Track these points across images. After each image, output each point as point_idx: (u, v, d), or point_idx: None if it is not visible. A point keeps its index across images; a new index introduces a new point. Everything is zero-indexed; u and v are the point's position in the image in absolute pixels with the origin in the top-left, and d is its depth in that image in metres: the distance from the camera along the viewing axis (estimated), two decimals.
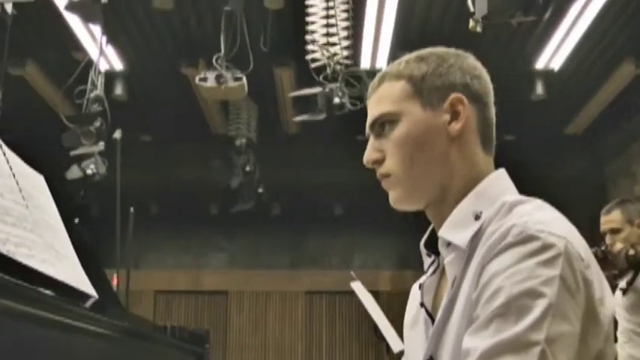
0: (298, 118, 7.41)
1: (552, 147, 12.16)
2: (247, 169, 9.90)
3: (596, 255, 3.27)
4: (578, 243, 1.10)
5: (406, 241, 14.21)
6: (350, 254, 14.13)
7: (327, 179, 12.51)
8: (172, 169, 12.28)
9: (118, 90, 10.27)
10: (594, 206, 12.76)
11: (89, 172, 9.11)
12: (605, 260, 3.29)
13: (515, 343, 0.94)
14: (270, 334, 12.19)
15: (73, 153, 8.47)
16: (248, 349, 12.20)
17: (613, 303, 1.10)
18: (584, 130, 11.85)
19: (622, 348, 3.41)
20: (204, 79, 8.13)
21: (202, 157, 11.56)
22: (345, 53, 7.17)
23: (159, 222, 13.91)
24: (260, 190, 10.60)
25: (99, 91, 8.68)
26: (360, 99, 7.23)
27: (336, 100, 7.01)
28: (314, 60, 7.33)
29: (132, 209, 4.14)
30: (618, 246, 3.41)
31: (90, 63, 9.20)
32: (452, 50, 1.36)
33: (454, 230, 1.20)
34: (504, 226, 1.08)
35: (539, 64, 9.61)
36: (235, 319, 12.32)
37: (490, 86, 1.30)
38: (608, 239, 3.52)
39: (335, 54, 7.11)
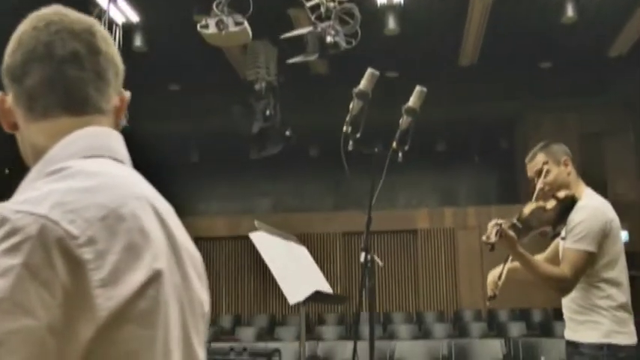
0: (291, 60, 7.23)
1: (595, 71, 11.53)
2: (267, 113, 9.78)
3: (513, 226, 3.05)
4: (139, 213, 0.97)
5: (447, 178, 13.95)
6: (393, 193, 13.99)
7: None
8: (205, 117, 12.31)
9: (137, 42, 10.28)
10: None
11: None
12: (519, 227, 3.06)
13: None
14: None
15: None
16: None
17: (135, 281, 0.96)
18: (629, 50, 11.10)
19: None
20: (206, 26, 8.02)
21: (233, 103, 11.52)
22: None
23: (200, 170, 14.12)
24: (288, 134, 10.45)
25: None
26: (355, 36, 6.98)
27: (329, 39, 6.79)
28: None
29: (6, 170, 4.12)
30: (527, 208, 3.15)
31: (105, 16, 9.27)
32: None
33: None
34: None
35: None
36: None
37: (58, 37, 1.11)
38: (538, 183, 3.28)
39: None
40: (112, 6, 9.43)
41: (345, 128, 3.84)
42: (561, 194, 3.15)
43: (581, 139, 12.22)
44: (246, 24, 7.89)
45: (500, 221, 3.00)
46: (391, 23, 9.78)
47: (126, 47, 9.82)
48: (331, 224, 12.44)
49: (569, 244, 3.03)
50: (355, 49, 11.03)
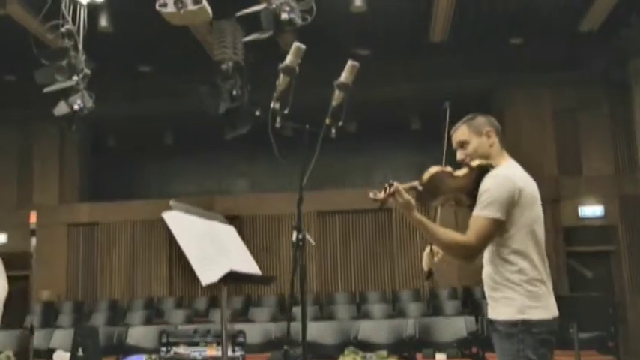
0: (246, 39, 7.14)
1: (567, 46, 11.44)
2: (234, 93, 9.67)
3: (413, 189, 2.96)
4: None
5: (422, 156, 13.86)
6: (369, 172, 13.94)
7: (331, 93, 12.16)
8: (178, 97, 12.16)
9: (103, 22, 10.13)
10: (616, 106, 12.08)
11: (76, 107, 9.10)
12: (419, 189, 2.97)
13: None
14: (284, 256, 12.22)
15: (47, 89, 8.43)
16: (265, 272, 12.22)
17: None
18: (601, 25, 10.99)
19: (484, 271, 3.14)
20: (164, 5, 7.89)
21: (204, 83, 11.36)
22: None
23: (175, 151, 14.02)
24: (257, 114, 10.33)
25: (70, 24, 8.57)
26: (310, 12, 6.87)
27: (284, 16, 6.69)
28: None
29: None
30: (428, 172, 3.04)
31: None
32: None
33: None
34: None
35: None
36: (249, 244, 12.34)
37: None
38: (458, 155, 3.20)
39: None
40: None
41: (272, 104, 3.77)
42: (474, 163, 3.06)
43: (555, 115, 12.18)
44: (204, 2, 7.76)
45: (395, 182, 2.90)
46: (357, 1, 9.67)
47: (91, 28, 9.67)
48: (306, 204, 12.33)
49: (476, 211, 2.93)
50: (325, 27, 10.93)
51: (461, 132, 3.17)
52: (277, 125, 3.79)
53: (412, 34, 11.25)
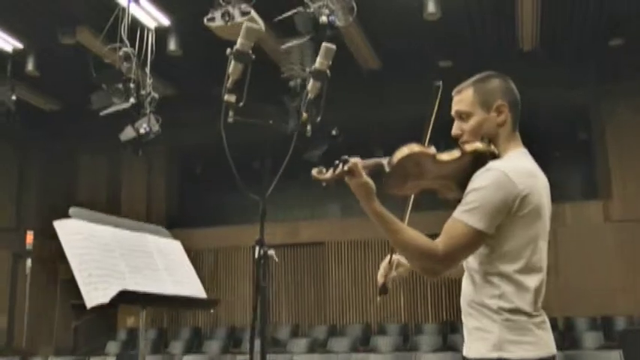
0: (284, 46, 6.68)
1: None
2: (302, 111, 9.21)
3: (378, 166, 2.24)
4: None
5: None
6: None
7: (421, 115, 11.44)
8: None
9: (172, 45, 10.02)
10: None
11: (142, 131, 8.96)
12: (385, 170, 2.21)
13: None
14: (371, 284, 11.54)
15: (103, 113, 8.30)
16: (348, 300, 11.66)
17: None
18: None
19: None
20: (212, 19, 7.62)
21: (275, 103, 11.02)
22: None
23: (263, 176, 13.72)
24: (334, 133, 9.84)
25: (127, 47, 8.42)
26: (352, 12, 6.34)
27: (323, 18, 6.19)
28: None
29: None
30: (400, 152, 2.22)
31: (132, 21, 9.01)
32: None
33: None
34: None
35: None
36: (334, 270, 11.82)
37: None
38: (454, 127, 2.38)
39: None
40: (141, 11, 9.16)
41: (226, 96, 3.23)
42: (470, 146, 2.26)
43: None
44: (253, 13, 7.40)
45: (352, 159, 2.13)
46: (430, 7, 8.98)
47: (162, 53, 9.56)
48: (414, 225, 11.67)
49: (456, 212, 2.15)
50: (401, 36, 10.29)
51: (464, 98, 2.33)
52: (230, 120, 3.27)
53: (499, 42, 10.41)
